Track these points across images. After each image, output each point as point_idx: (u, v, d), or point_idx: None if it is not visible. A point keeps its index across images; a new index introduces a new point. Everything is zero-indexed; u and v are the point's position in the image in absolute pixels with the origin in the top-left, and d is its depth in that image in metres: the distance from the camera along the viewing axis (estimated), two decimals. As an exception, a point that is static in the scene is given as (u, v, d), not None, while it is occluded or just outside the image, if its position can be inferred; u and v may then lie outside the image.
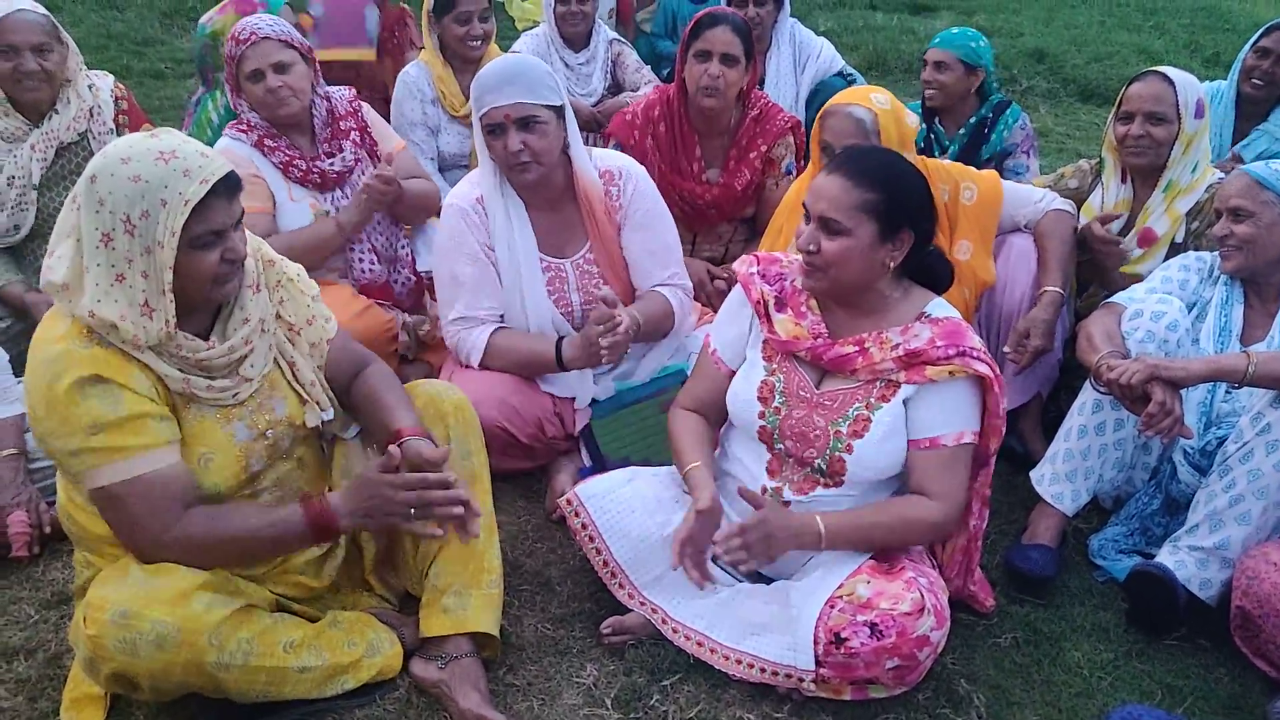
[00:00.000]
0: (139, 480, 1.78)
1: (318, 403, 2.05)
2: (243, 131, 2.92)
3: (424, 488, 1.87)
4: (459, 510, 1.88)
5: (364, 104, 3.15)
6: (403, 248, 3.15)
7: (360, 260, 3.02)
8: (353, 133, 3.03)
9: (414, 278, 3.16)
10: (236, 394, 1.92)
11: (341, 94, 3.07)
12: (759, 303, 2.24)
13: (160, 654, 1.75)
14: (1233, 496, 2.29)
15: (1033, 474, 2.61)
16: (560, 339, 2.63)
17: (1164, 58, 7.37)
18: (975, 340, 2.11)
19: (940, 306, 2.17)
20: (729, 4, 4.39)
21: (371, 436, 2.16)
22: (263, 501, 1.99)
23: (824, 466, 2.13)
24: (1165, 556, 2.36)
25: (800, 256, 2.14)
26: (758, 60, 3.35)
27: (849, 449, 2.10)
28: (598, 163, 2.76)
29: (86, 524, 1.91)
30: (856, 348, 2.12)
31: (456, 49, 3.77)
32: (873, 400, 2.11)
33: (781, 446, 2.17)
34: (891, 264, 2.10)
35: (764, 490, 2.18)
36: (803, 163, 3.36)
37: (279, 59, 2.83)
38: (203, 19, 3.64)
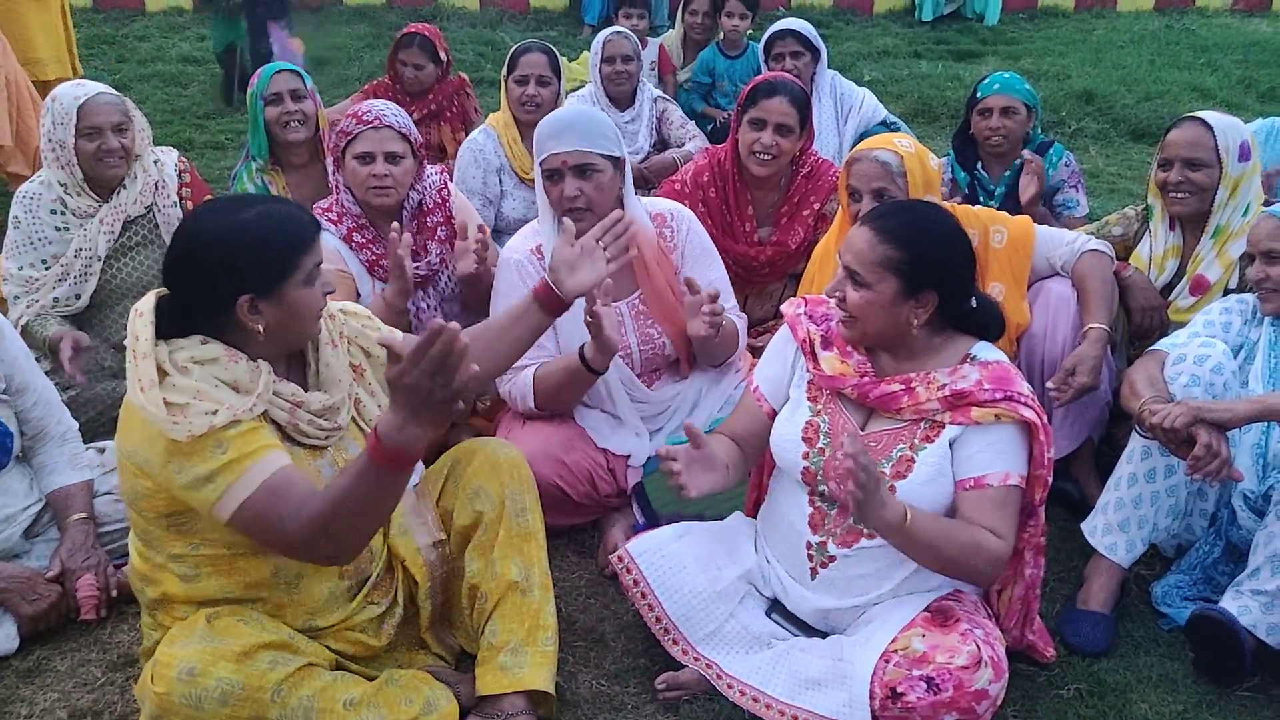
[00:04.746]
0: (274, 478, 1.80)
1: None
2: (333, 222, 2.93)
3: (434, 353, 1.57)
4: (474, 368, 1.60)
5: (453, 189, 3.14)
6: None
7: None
8: (439, 228, 3.02)
9: None
10: (329, 436, 2.01)
11: (433, 180, 3.07)
12: (805, 341, 2.25)
13: (224, 710, 1.80)
14: None
15: (1084, 525, 2.56)
16: (581, 346, 2.61)
17: (1217, 95, 7.30)
18: (1024, 386, 2.10)
19: (987, 350, 2.16)
20: (767, 62, 4.45)
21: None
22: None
23: None
24: (1229, 602, 2.30)
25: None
26: (811, 126, 3.37)
27: (892, 489, 2.08)
28: (649, 207, 2.81)
29: (162, 584, 1.96)
30: (903, 386, 2.11)
31: (515, 110, 3.86)
32: (916, 441, 2.10)
33: (825, 489, 2.16)
34: (916, 321, 2.09)
35: (808, 545, 2.18)
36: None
37: (393, 149, 2.87)
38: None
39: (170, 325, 1.86)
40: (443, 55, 4.51)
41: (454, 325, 1.55)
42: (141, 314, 1.85)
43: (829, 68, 4.64)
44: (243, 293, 1.83)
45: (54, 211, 3.11)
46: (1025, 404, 2.06)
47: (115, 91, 3.16)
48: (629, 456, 2.77)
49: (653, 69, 5.78)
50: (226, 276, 1.83)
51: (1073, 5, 10.31)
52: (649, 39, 5.87)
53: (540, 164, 2.64)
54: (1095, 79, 7.60)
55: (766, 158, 3.23)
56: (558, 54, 4.01)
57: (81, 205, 3.11)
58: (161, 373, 1.81)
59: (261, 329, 1.87)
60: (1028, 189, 3.59)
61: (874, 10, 10.02)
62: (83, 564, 2.46)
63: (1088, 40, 9.06)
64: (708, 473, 2.13)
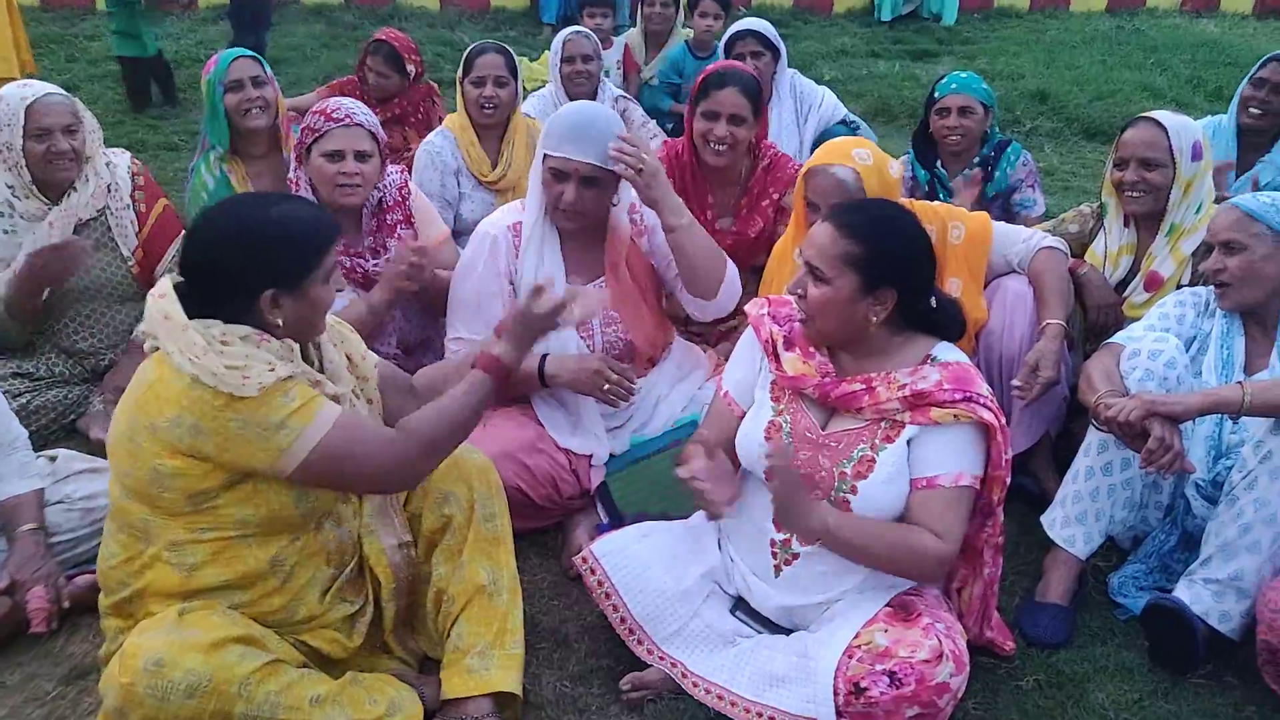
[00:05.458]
0: (342, 419, 1.90)
1: None
2: None
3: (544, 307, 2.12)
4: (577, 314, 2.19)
5: (414, 189, 3.13)
6: (438, 333, 3.09)
7: (383, 346, 3.01)
8: (399, 226, 3.01)
9: None
10: None
11: (393, 179, 3.06)
12: (768, 342, 2.26)
13: (190, 702, 1.78)
14: (1242, 526, 2.28)
15: (1044, 518, 2.59)
16: (544, 356, 2.65)
17: (1167, 94, 7.43)
18: (983, 387, 2.11)
19: (947, 350, 2.18)
20: (725, 56, 4.46)
21: None
22: (337, 513, 2.11)
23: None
24: (1181, 591, 2.35)
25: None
26: (765, 113, 3.40)
27: (854, 490, 2.10)
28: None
29: (153, 579, 1.93)
30: (864, 386, 2.13)
31: (472, 112, 3.83)
32: (877, 441, 2.12)
33: None
34: (874, 318, 2.10)
35: (772, 543, 2.19)
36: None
37: (363, 148, 2.86)
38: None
39: (190, 313, 1.87)
40: (410, 69, 4.46)
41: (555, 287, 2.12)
42: (164, 295, 1.87)
43: (788, 67, 4.66)
44: (269, 287, 1.87)
45: (1, 214, 3.05)
46: (984, 405, 2.08)
47: (64, 92, 3.10)
48: (591, 457, 2.76)
49: (618, 68, 5.77)
50: (256, 270, 1.87)
51: (1027, 5, 10.46)
52: (613, 39, 5.86)
53: (549, 158, 2.64)
54: (1049, 78, 7.71)
55: (722, 148, 3.25)
56: (514, 54, 3.99)
57: (30, 208, 3.05)
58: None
59: (281, 323, 1.89)
60: (964, 206, 3.61)
61: (833, 10, 10.10)
62: (33, 575, 2.40)
63: (1041, 40, 9.19)
64: (728, 483, 2.13)
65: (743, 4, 9.67)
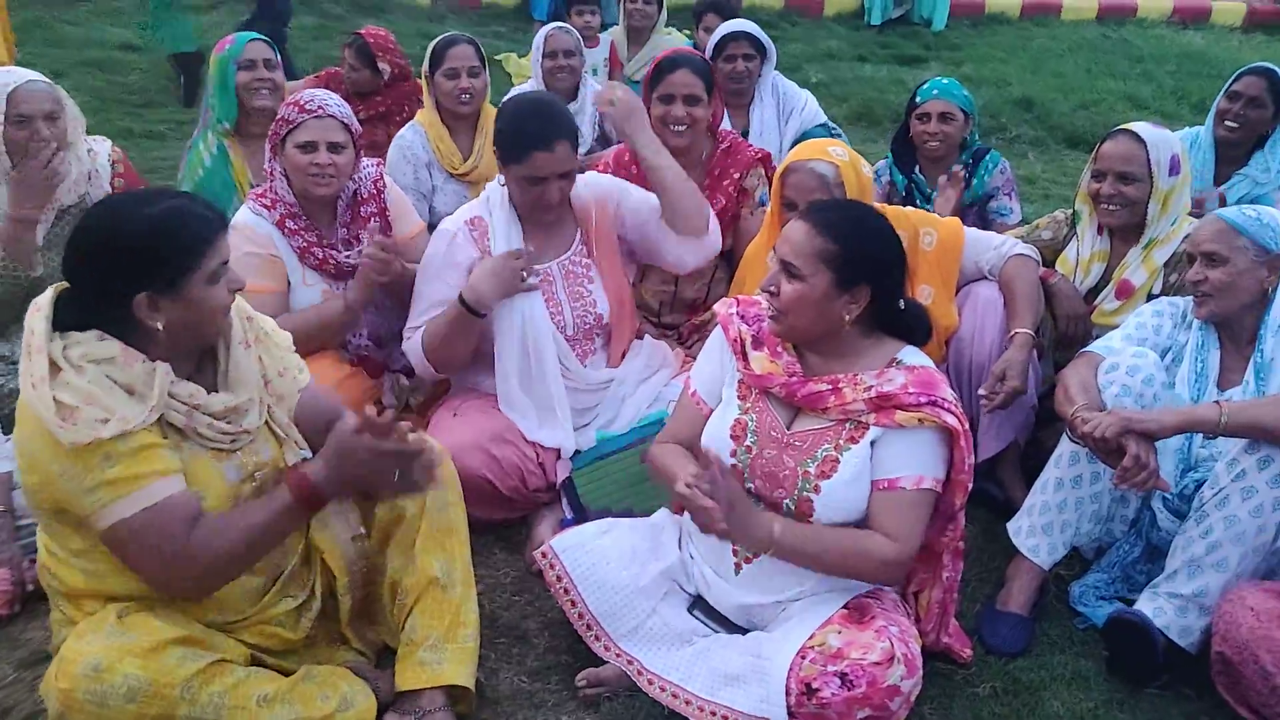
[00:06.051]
0: (155, 508, 1.80)
1: (296, 442, 2.10)
2: (265, 207, 2.90)
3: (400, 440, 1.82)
4: (430, 464, 1.89)
5: (389, 182, 3.13)
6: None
7: (353, 339, 3.01)
8: (373, 219, 3.01)
9: None
10: (235, 440, 1.97)
11: (368, 172, 3.06)
12: (736, 341, 2.26)
13: (131, 707, 1.77)
14: (1210, 543, 2.28)
15: (1010, 525, 2.60)
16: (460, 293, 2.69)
17: (1151, 104, 7.46)
18: (948, 392, 2.12)
19: (913, 354, 2.19)
20: (717, 62, 4.46)
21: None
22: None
23: (792, 508, 2.13)
24: (1144, 603, 2.35)
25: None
26: (719, 93, 3.50)
27: (817, 489, 2.11)
28: (590, 182, 2.93)
29: (67, 578, 1.92)
30: (830, 386, 2.13)
31: (447, 104, 3.83)
32: (841, 441, 2.13)
33: (751, 486, 2.18)
34: (848, 316, 2.11)
35: (734, 545, 2.20)
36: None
37: (336, 139, 2.85)
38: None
39: (70, 319, 1.82)
40: (384, 67, 4.42)
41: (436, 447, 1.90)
42: (39, 309, 1.82)
43: (776, 68, 4.67)
44: (141, 289, 1.80)
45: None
46: (948, 410, 2.09)
47: (46, 79, 3.08)
48: (559, 450, 2.77)
49: (605, 66, 5.77)
50: (125, 272, 1.80)
51: (1018, 13, 10.48)
52: (600, 36, 5.85)
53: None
54: (1034, 86, 7.74)
55: (681, 128, 3.31)
56: (481, 45, 3.99)
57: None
58: (55, 368, 1.77)
59: (161, 326, 1.83)
60: (947, 204, 3.64)
61: (823, 13, 10.10)
62: (-4, 558, 2.40)
63: (1028, 47, 9.21)
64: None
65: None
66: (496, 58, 7.36)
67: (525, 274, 2.70)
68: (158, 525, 1.80)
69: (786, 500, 2.14)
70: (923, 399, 2.08)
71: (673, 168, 2.87)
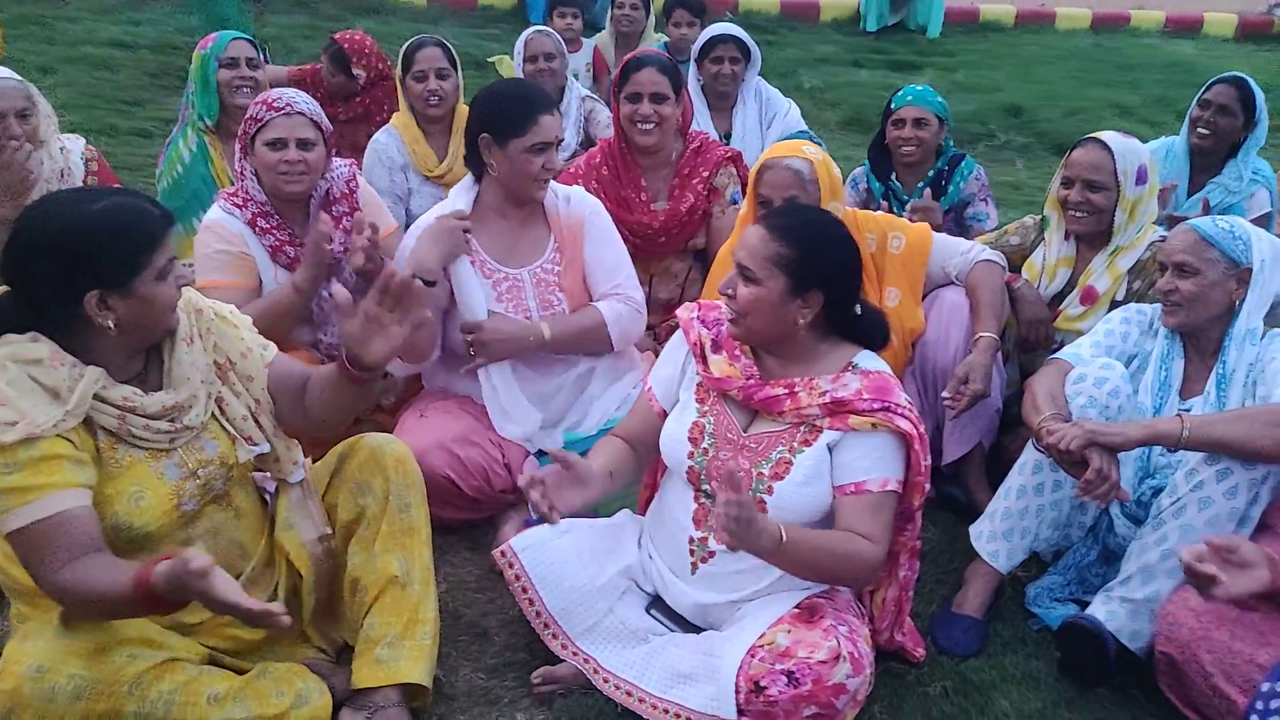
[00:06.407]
0: (46, 523, 1.76)
1: (249, 439, 2.07)
2: (237, 205, 2.91)
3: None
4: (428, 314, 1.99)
5: (362, 181, 3.14)
6: None
7: (324, 336, 3.02)
8: (344, 218, 3.00)
9: None
10: (173, 439, 1.95)
11: (341, 171, 3.06)
12: (696, 344, 2.29)
13: (79, 704, 1.78)
14: (1165, 550, 2.30)
15: (972, 529, 2.62)
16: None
17: (1137, 112, 7.49)
18: (901, 397, 2.15)
19: (869, 359, 2.22)
20: (700, 62, 4.50)
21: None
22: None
23: None
24: (1097, 606, 2.38)
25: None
26: (686, 91, 3.55)
27: (770, 490, 2.13)
28: (559, 191, 2.94)
29: (20, 576, 1.93)
30: (786, 390, 2.16)
31: (418, 107, 3.86)
32: (796, 444, 2.15)
33: (708, 488, 2.21)
34: (802, 320, 2.14)
35: (690, 540, 2.22)
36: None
37: (305, 136, 2.85)
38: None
39: (11, 321, 1.82)
40: (358, 72, 4.38)
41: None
42: None
43: (769, 74, 4.70)
44: (92, 288, 1.79)
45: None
46: (902, 415, 2.11)
47: (17, 76, 3.11)
48: (526, 457, 2.79)
49: (588, 70, 5.79)
50: (75, 271, 1.78)
51: (1012, 20, 10.51)
52: (584, 40, 5.88)
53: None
54: (1023, 92, 7.77)
55: (649, 126, 3.36)
56: (453, 48, 4.01)
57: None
58: None
59: (112, 324, 1.82)
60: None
61: (820, 18, 10.13)
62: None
63: (1020, 55, 9.24)
64: (577, 490, 2.14)
65: (729, 8, 9.70)
66: (490, 60, 7.36)
67: (467, 235, 2.73)
68: (44, 544, 1.76)
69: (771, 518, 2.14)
70: (876, 405, 2.11)
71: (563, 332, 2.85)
